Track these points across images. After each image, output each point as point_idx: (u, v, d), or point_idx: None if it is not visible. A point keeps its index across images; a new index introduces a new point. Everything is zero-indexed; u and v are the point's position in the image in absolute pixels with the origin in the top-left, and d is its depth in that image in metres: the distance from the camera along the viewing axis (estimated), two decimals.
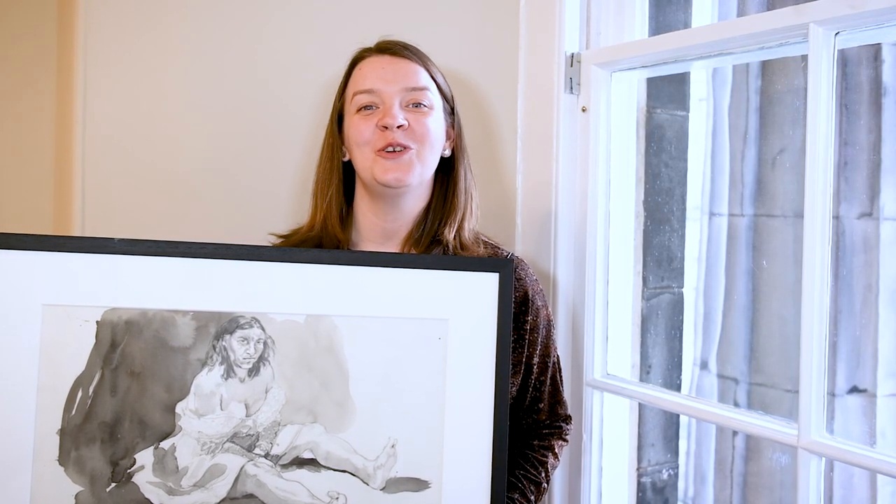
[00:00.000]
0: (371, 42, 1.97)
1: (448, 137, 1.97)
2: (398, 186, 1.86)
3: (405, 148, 1.85)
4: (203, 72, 2.26)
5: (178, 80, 2.24)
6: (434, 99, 1.92)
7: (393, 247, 1.95)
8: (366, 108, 1.88)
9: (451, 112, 1.99)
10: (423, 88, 1.90)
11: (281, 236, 2.03)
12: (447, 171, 1.99)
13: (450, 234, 1.91)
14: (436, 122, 1.90)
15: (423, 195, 1.96)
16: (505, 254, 2.01)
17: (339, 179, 1.96)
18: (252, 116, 2.30)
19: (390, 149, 1.84)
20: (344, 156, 1.96)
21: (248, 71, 2.30)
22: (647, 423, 2.70)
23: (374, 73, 1.89)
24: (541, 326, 1.98)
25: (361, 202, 1.96)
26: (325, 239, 1.94)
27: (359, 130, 1.87)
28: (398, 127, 1.84)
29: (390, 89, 1.87)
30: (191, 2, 2.23)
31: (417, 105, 1.88)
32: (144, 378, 1.56)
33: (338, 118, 1.97)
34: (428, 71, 1.93)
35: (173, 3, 2.22)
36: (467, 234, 1.95)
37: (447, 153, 1.98)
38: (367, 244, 1.96)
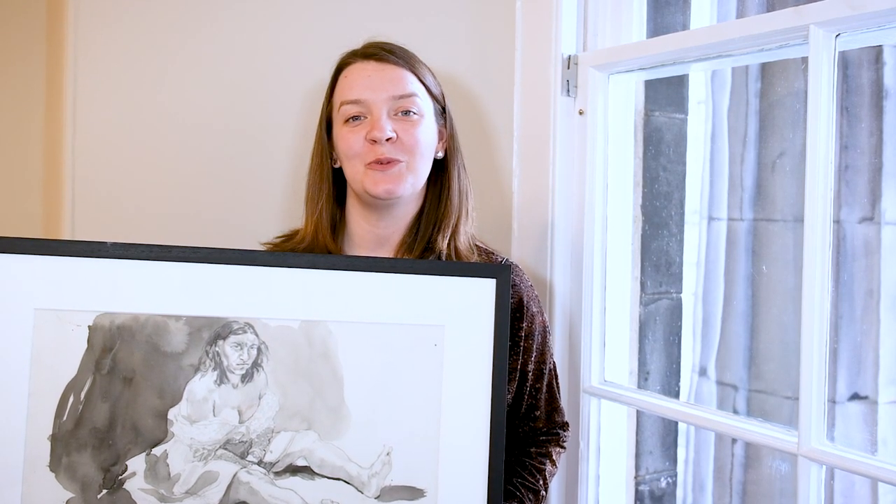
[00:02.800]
0: (358, 44, 1.94)
1: (440, 138, 1.96)
2: (389, 198, 1.85)
3: (395, 161, 1.83)
4: (194, 73, 2.25)
5: (169, 81, 2.23)
6: (423, 104, 1.89)
7: (386, 253, 1.94)
8: (353, 118, 1.85)
9: (442, 112, 1.96)
10: (410, 95, 1.86)
11: (271, 243, 2.03)
12: (440, 173, 1.97)
13: (443, 243, 1.90)
14: (426, 129, 1.88)
15: (416, 200, 1.94)
16: (500, 260, 1.99)
17: (330, 187, 1.95)
18: (244, 118, 2.30)
19: (379, 162, 1.83)
20: (335, 162, 1.94)
21: (240, 72, 2.29)
22: (645, 430, 2.69)
23: (361, 81, 1.86)
24: (536, 333, 1.96)
25: (353, 209, 1.95)
26: (316, 250, 1.92)
27: (348, 143, 1.85)
28: (387, 140, 1.81)
29: (377, 98, 1.84)
30: (180, 7, 2.22)
31: (406, 113, 1.85)
32: (136, 384, 1.55)
33: (326, 124, 1.95)
34: (416, 74, 1.90)
35: (164, 6, 2.20)
36: (463, 239, 1.94)
37: (440, 155, 1.96)
38: (360, 251, 1.95)
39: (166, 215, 2.23)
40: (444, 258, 1.89)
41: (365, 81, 1.86)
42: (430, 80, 1.93)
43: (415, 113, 1.86)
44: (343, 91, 1.88)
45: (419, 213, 1.95)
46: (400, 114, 1.85)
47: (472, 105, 2.48)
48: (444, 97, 1.98)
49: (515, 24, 2.49)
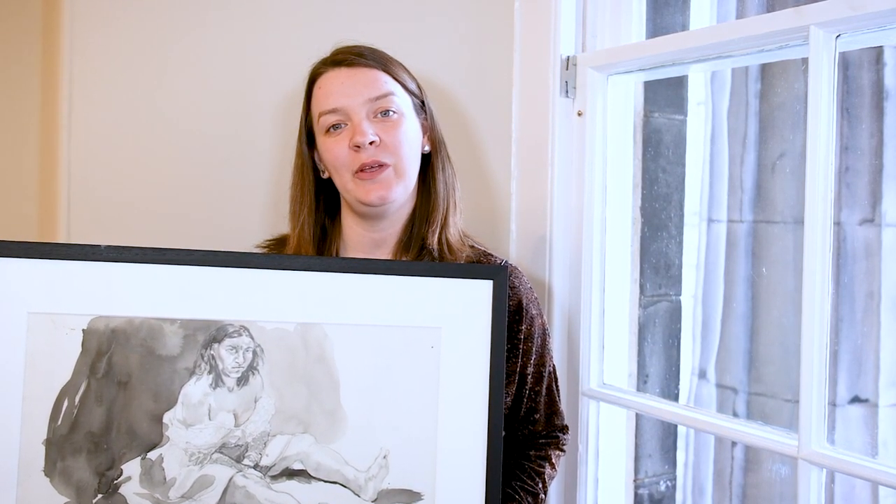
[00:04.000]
0: (326, 51, 1.94)
1: (424, 132, 1.95)
2: (383, 205, 1.85)
3: (382, 165, 1.83)
4: (190, 75, 2.25)
5: (164, 84, 2.23)
6: (401, 102, 1.88)
7: (383, 255, 1.94)
8: (334, 127, 1.85)
9: (421, 106, 1.96)
10: (387, 95, 1.86)
11: (263, 246, 2.03)
12: (426, 167, 1.97)
13: (433, 238, 1.90)
14: (408, 127, 1.88)
15: (410, 200, 1.94)
16: (498, 261, 1.98)
17: (312, 201, 1.95)
18: (239, 120, 2.30)
19: (367, 168, 1.82)
20: (324, 173, 1.94)
21: (235, 74, 2.29)
22: (644, 433, 2.68)
23: (335, 89, 1.86)
24: (535, 336, 1.95)
25: (347, 216, 1.95)
26: None
27: (333, 154, 1.85)
28: (371, 143, 1.81)
29: (354, 103, 1.83)
30: (177, 6, 2.21)
31: (386, 113, 1.85)
32: (131, 387, 1.55)
33: (307, 136, 1.94)
34: (389, 73, 1.89)
35: (160, 8, 2.20)
36: (453, 231, 1.94)
37: (426, 149, 1.96)
38: (358, 254, 1.94)
39: (162, 218, 2.23)
40: (435, 252, 1.89)
41: (339, 89, 1.85)
42: (404, 77, 1.92)
43: (394, 112, 1.86)
44: (319, 102, 1.88)
45: (413, 211, 1.95)
46: (379, 115, 1.84)
47: (469, 106, 2.47)
48: (421, 91, 1.97)
49: (514, 25, 2.47)
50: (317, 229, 1.95)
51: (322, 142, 1.89)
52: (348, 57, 1.88)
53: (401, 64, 1.94)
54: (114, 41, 2.17)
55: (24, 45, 2.29)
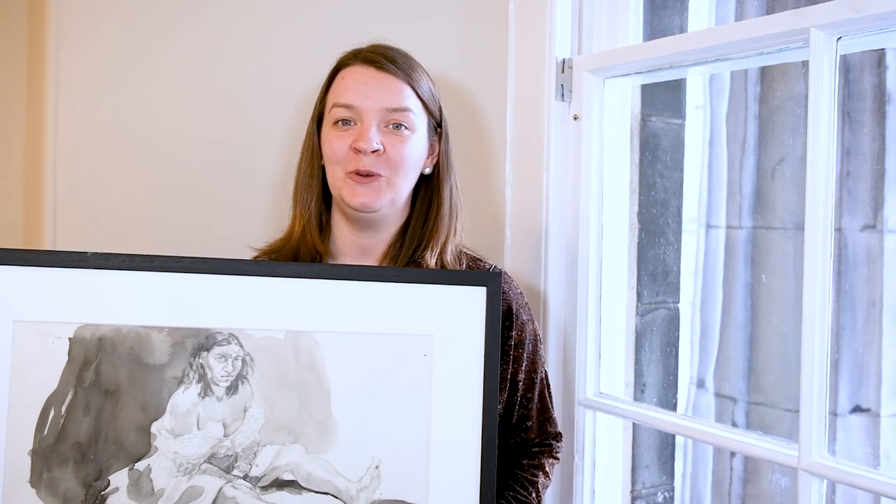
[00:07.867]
0: (361, 43, 1.92)
1: (430, 153, 1.94)
2: (365, 211, 1.83)
3: (376, 175, 1.80)
4: (179, 78, 2.25)
5: (152, 86, 2.23)
6: (416, 120, 1.86)
7: (370, 262, 1.93)
8: (343, 122, 1.84)
9: (437, 126, 1.94)
10: (404, 110, 1.84)
11: (262, 250, 2.00)
12: (429, 187, 1.95)
13: (431, 260, 1.88)
14: (415, 145, 1.86)
15: (401, 213, 1.93)
16: (488, 267, 1.97)
17: (320, 186, 1.93)
18: (230, 123, 2.29)
19: (361, 173, 1.80)
20: (321, 160, 1.91)
21: (226, 77, 2.28)
22: (641, 443, 2.67)
23: (356, 86, 1.84)
24: (527, 342, 1.94)
25: (337, 215, 1.94)
26: (303, 249, 1.92)
27: (332, 147, 1.84)
28: (373, 152, 1.79)
29: (370, 107, 1.82)
30: (167, 8, 2.20)
31: (398, 126, 1.83)
32: (119, 396, 1.54)
33: (318, 121, 1.92)
34: (414, 88, 1.87)
35: (148, 9, 2.18)
36: (450, 256, 1.92)
37: (427, 171, 1.94)
38: (344, 258, 1.94)
39: (149, 224, 2.22)
40: None
41: (361, 87, 1.83)
42: (427, 96, 1.91)
43: (406, 128, 1.84)
44: (337, 93, 1.86)
45: (404, 226, 1.94)
46: (391, 126, 1.83)
47: (464, 110, 2.46)
48: (441, 112, 1.95)
49: (508, 27, 2.46)
50: (321, 217, 1.94)
51: (327, 131, 1.87)
52: (379, 59, 1.86)
53: (429, 78, 1.93)
54: (102, 42, 2.17)
55: (8, 45, 2.28)
